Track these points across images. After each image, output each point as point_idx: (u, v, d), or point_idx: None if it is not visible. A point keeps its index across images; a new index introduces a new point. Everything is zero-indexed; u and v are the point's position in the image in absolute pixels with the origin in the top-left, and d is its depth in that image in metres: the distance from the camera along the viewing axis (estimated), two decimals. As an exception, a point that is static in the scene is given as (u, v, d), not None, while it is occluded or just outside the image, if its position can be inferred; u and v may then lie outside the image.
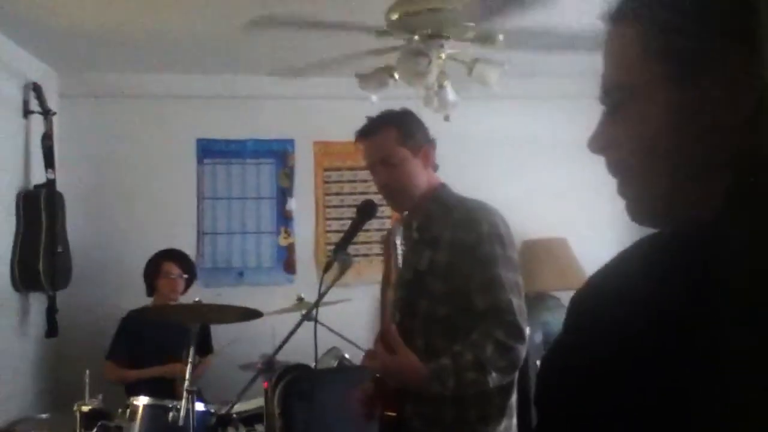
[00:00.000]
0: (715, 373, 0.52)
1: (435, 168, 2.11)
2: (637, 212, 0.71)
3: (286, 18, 3.31)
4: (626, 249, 0.64)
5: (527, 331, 1.88)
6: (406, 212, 2.18)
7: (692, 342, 0.53)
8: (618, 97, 0.69)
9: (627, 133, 0.69)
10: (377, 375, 1.95)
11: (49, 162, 4.08)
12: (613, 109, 0.70)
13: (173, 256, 4.06)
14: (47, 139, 4.10)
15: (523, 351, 1.85)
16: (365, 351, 1.91)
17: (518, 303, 1.88)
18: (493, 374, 1.81)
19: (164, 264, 4.01)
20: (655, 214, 0.70)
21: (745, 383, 0.51)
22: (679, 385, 0.53)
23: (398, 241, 1.92)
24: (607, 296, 0.60)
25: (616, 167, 0.71)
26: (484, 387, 1.82)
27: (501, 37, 2.98)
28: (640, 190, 0.70)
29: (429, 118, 2.33)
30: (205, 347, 3.91)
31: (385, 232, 1.94)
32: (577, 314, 0.63)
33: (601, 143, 0.72)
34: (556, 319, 4.42)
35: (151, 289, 4.05)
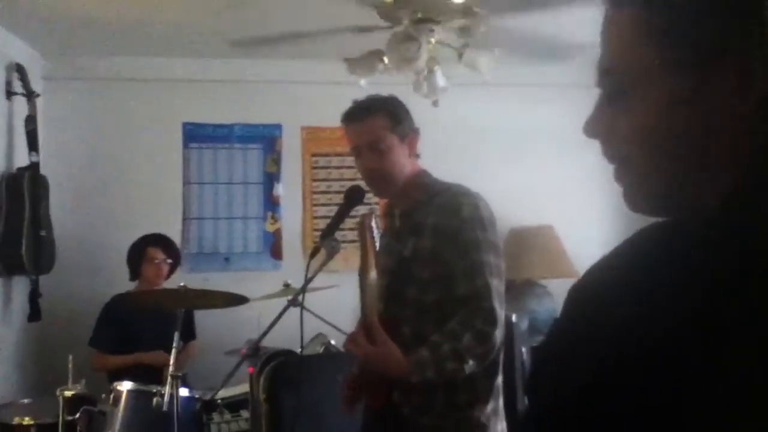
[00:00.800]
0: (718, 371, 0.50)
1: (417, 156, 2.10)
2: (635, 200, 0.69)
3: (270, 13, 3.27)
4: (628, 239, 0.62)
5: (503, 315, 1.89)
6: (389, 199, 2.18)
7: (695, 337, 0.52)
8: (617, 82, 0.67)
9: (626, 120, 0.67)
10: (366, 366, 1.95)
11: (32, 145, 4.03)
12: (611, 94, 0.68)
13: (158, 241, 4.03)
14: (31, 122, 4.05)
15: (499, 335, 1.87)
16: (347, 335, 1.90)
17: (497, 285, 1.89)
18: (470, 362, 1.82)
19: (149, 249, 3.98)
20: (652, 203, 0.69)
21: (747, 381, 0.50)
22: (678, 380, 0.51)
23: (374, 224, 1.90)
24: (608, 286, 0.58)
25: (613, 154, 0.70)
26: (461, 375, 1.84)
27: (483, 28, 2.95)
28: (639, 178, 0.68)
29: (417, 104, 2.32)
30: (188, 333, 3.89)
31: (358, 218, 1.92)
32: (577, 304, 0.61)
33: (598, 129, 0.70)
34: (542, 307, 4.44)
35: (134, 274, 4.01)
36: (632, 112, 0.66)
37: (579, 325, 0.58)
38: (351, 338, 1.88)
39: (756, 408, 0.49)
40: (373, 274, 1.89)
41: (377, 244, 1.93)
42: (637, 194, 0.69)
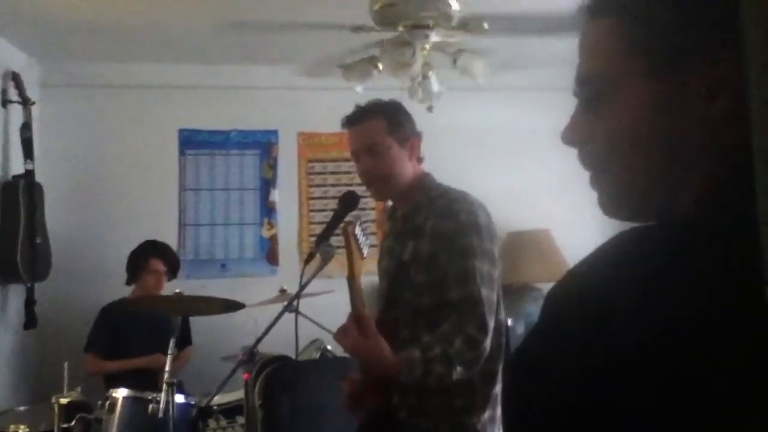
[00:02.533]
0: (710, 373, 0.50)
1: (420, 160, 2.11)
2: (610, 205, 0.70)
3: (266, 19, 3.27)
4: (605, 243, 0.62)
5: (491, 325, 1.89)
6: (391, 202, 2.18)
7: (674, 341, 0.52)
8: (595, 89, 0.68)
9: (603, 127, 0.67)
10: (362, 366, 1.95)
11: (28, 152, 4.02)
12: (588, 102, 0.69)
13: (160, 252, 4.01)
14: (26, 129, 4.04)
15: (488, 344, 1.87)
16: (338, 328, 1.90)
17: (488, 295, 1.89)
18: (459, 369, 1.83)
19: (151, 260, 3.95)
20: (628, 209, 0.69)
21: (741, 382, 0.49)
22: (667, 384, 0.51)
23: (358, 232, 1.91)
24: (585, 291, 0.58)
25: (590, 160, 0.70)
26: (448, 380, 1.84)
27: (486, 24, 2.96)
28: (615, 184, 0.69)
29: (412, 109, 2.32)
30: (183, 339, 3.89)
31: (343, 225, 1.92)
32: (554, 308, 0.61)
33: (575, 136, 0.71)
34: (538, 311, 4.43)
35: (131, 280, 4.00)
36: (608, 118, 0.67)
37: (560, 332, 0.58)
38: (341, 329, 1.87)
39: (752, 413, 0.49)
40: (359, 281, 1.89)
41: (364, 251, 1.93)
42: (613, 200, 0.70)
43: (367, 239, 1.96)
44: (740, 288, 0.51)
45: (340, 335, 1.87)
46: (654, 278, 0.55)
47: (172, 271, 4.04)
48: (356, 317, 1.87)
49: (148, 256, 3.96)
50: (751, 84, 0.45)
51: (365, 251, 1.95)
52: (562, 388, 0.54)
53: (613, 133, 0.67)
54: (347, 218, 2.07)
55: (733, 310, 0.51)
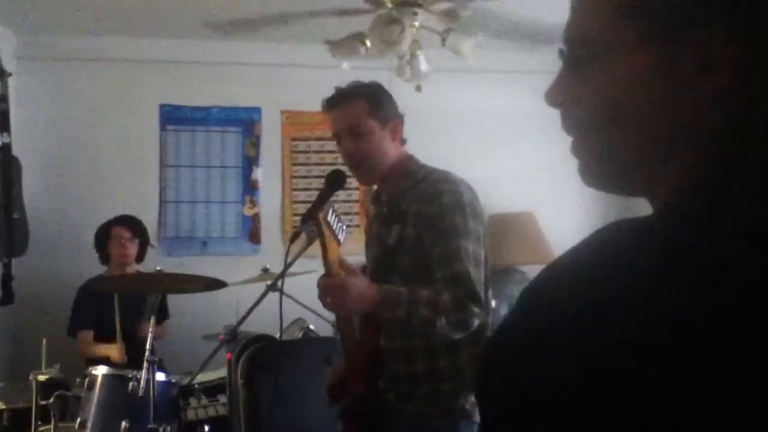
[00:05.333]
0: (715, 370, 0.48)
1: (403, 142, 2.09)
2: (590, 174, 0.68)
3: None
4: (585, 240, 0.59)
5: (485, 299, 1.88)
6: (375, 186, 2.16)
7: (680, 335, 0.49)
8: (584, 52, 0.65)
9: (591, 90, 0.65)
10: (346, 352, 1.94)
11: (4, 125, 3.91)
12: (575, 63, 0.66)
13: (123, 221, 3.99)
14: (2, 102, 3.91)
15: (477, 318, 1.85)
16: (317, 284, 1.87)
17: (476, 274, 1.87)
18: (443, 320, 1.80)
19: (114, 228, 3.95)
20: (608, 179, 0.67)
21: (752, 376, 0.47)
22: (665, 384, 0.48)
23: (331, 219, 1.89)
24: (569, 288, 0.55)
25: (573, 124, 0.67)
26: (432, 329, 1.81)
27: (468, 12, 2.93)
28: (597, 152, 0.66)
29: (398, 89, 2.30)
30: (162, 313, 3.86)
31: (322, 212, 1.89)
32: (530, 300, 0.58)
33: (559, 97, 0.68)
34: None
35: (104, 257, 3.98)
36: (597, 82, 0.64)
37: (539, 328, 0.55)
38: (321, 282, 1.84)
39: (750, 408, 0.47)
40: (334, 268, 1.87)
41: (340, 237, 1.91)
42: (594, 169, 0.67)
43: (342, 224, 1.94)
44: (738, 281, 0.50)
45: (322, 288, 1.83)
46: (643, 275, 0.52)
47: (138, 236, 3.98)
48: (330, 274, 1.85)
49: (110, 226, 3.96)
50: None
51: (342, 237, 1.93)
52: (547, 379, 0.52)
53: (598, 99, 0.64)
54: (342, 195, 2.05)
55: (738, 302, 0.49)
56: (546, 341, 0.53)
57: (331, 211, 1.91)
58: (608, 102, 0.63)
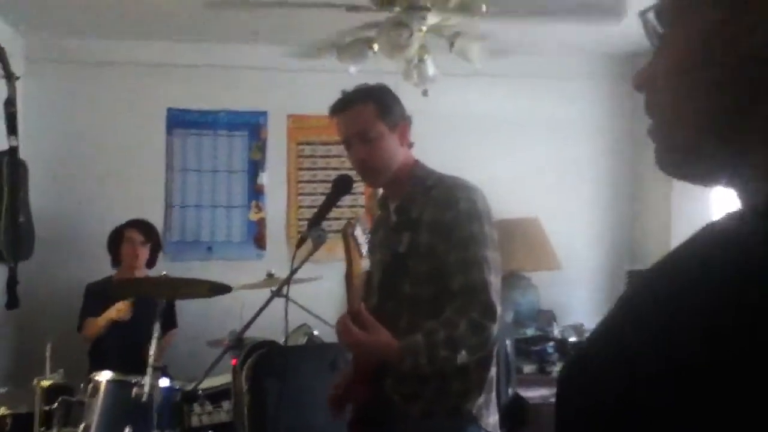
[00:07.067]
0: None
1: (410, 146, 2.07)
2: (659, 157, 0.61)
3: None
4: (683, 243, 0.53)
5: (500, 310, 1.87)
6: (382, 191, 2.15)
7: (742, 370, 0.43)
8: (660, 22, 0.60)
9: (662, 62, 0.60)
10: (362, 358, 1.93)
11: (11, 128, 3.92)
12: (657, 41, 0.61)
13: (136, 224, 4.00)
14: (10, 105, 3.93)
15: (495, 330, 1.84)
16: (336, 322, 1.86)
17: (494, 281, 1.87)
18: (463, 352, 1.79)
19: (126, 231, 3.96)
20: (678, 159, 0.61)
21: None
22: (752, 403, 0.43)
23: (358, 232, 1.88)
24: (657, 295, 0.51)
25: (647, 106, 0.62)
26: (452, 364, 1.80)
27: (484, 7, 2.90)
28: (666, 133, 0.60)
29: (405, 93, 2.28)
30: (168, 322, 3.85)
31: (344, 223, 1.88)
32: (624, 310, 0.53)
33: (641, 78, 0.62)
34: (527, 299, 4.43)
35: (115, 260, 3.98)
36: (666, 51, 0.59)
37: (622, 333, 0.51)
38: (342, 324, 1.82)
39: None
40: (358, 281, 1.87)
41: (363, 251, 1.90)
42: (660, 151, 0.61)
43: (367, 238, 1.93)
44: None
45: (341, 333, 1.83)
46: (716, 298, 0.46)
47: (150, 241, 3.99)
48: (353, 313, 1.84)
49: (123, 228, 3.97)
50: None
51: (364, 250, 1.92)
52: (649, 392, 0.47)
53: (669, 67, 0.59)
54: (340, 208, 2.04)
55: None
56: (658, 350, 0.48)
57: (358, 224, 1.90)
58: (676, 69, 0.58)
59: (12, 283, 3.97)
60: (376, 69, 3.20)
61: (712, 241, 0.52)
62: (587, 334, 4.50)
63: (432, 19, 3.01)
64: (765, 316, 0.44)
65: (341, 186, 2.13)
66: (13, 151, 3.93)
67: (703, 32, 0.56)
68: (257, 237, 4.60)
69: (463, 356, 1.79)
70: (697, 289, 0.48)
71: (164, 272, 3.07)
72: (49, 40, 4.32)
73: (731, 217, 0.53)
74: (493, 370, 1.98)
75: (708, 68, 0.56)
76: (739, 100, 0.54)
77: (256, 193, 4.63)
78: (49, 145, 4.35)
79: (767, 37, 0.52)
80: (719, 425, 0.44)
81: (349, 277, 1.87)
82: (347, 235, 1.85)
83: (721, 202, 4.12)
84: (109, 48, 4.40)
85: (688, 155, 0.59)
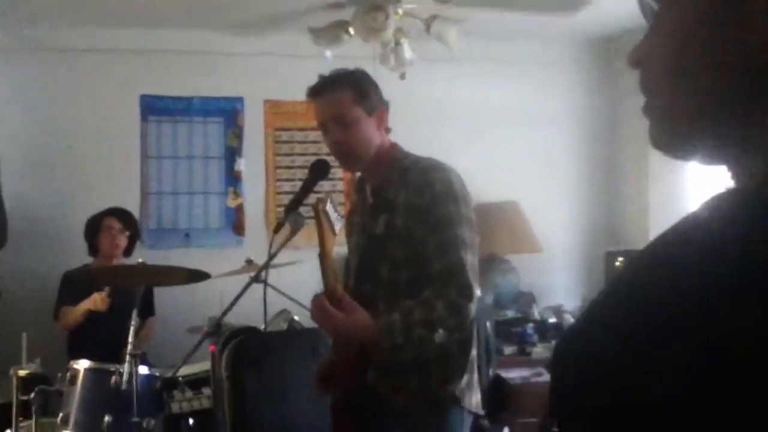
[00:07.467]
0: None
1: (387, 131, 2.07)
2: (656, 136, 0.60)
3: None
4: (693, 212, 0.52)
5: (478, 290, 1.87)
6: (359, 174, 2.14)
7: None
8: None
9: (656, 39, 0.59)
10: (340, 339, 1.92)
11: (-18, 117, 3.87)
12: (653, 16, 0.60)
13: (115, 212, 3.96)
14: (-20, 93, 3.88)
15: (472, 309, 1.85)
16: (312, 303, 1.85)
17: (471, 261, 1.87)
18: (441, 331, 1.80)
19: (105, 219, 3.91)
20: (673, 137, 0.59)
21: None
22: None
23: (329, 209, 1.87)
24: (663, 263, 0.50)
25: (641, 82, 0.61)
26: (430, 345, 1.81)
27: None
28: (661, 107, 0.59)
29: (382, 78, 2.27)
30: (147, 310, 3.82)
31: (314, 202, 1.87)
32: (628, 276, 0.53)
33: (636, 55, 0.61)
34: (507, 282, 4.46)
35: (92, 249, 3.93)
36: (661, 32, 0.58)
37: (624, 301, 0.49)
38: (318, 306, 1.81)
39: None
40: (331, 257, 1.86)
41: (336, 228, 1.89)
42: (654, 129, 0.60)
43: (339, 215, 1.92)
44: None
45: (318, 314, 1.82)
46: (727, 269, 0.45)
47: (129, 229, 3.95)
48: (330, 293, 1.83)
49: (102, 217, 3.92)
50: None
51: (337, 227, 1.91)
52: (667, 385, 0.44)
53: (663, 50, 0.57)
54: (318, 194, 2.02)
55: None
56: (663, 331, 0.47)
57: (329, 200, 1.88)
58: (669, 51, 0.57)
59: (-13, 273, 3.92)
60: (352, 53, 3.18)
61: (715, 219, 0.51)
62: (566, 315, 4.54)
63: (407, 2, 3.00)
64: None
65: (318, 171, 2.13)
66: (-16, 139, 3.87)
67: (699, 7, 0.55)
68: (236, 224, 4.58)
69: (441, 335, 1.80)
70: (702, 271, 0.47)
71: (141, 260, 3.04)
72: (18, 29, 4.24)
73: (731, 193, 0.53)
74: (474, 351, 1.99)
75: (706, 45, 0.55)
76: (740, 77, 0.53)
77: (233, 179, 4.60)
78: (21, 135, 4.28)
79: (766, 12, 0.51)
80: (728, 413, 0.42)
81: (322, 255, 1.86)
82: (318, 211, 1.84)
83: (696, 184, 4.17)
84: (80, 35, 4.33)
85: (686, 134, 0.58)
